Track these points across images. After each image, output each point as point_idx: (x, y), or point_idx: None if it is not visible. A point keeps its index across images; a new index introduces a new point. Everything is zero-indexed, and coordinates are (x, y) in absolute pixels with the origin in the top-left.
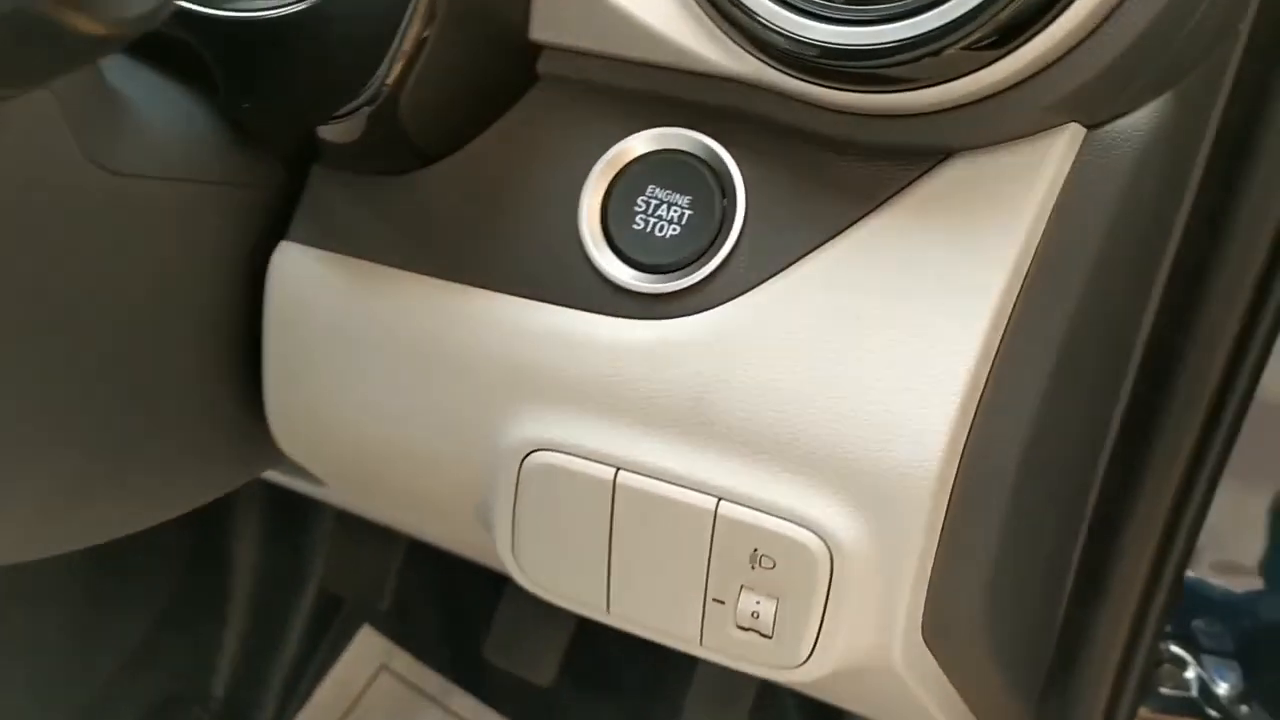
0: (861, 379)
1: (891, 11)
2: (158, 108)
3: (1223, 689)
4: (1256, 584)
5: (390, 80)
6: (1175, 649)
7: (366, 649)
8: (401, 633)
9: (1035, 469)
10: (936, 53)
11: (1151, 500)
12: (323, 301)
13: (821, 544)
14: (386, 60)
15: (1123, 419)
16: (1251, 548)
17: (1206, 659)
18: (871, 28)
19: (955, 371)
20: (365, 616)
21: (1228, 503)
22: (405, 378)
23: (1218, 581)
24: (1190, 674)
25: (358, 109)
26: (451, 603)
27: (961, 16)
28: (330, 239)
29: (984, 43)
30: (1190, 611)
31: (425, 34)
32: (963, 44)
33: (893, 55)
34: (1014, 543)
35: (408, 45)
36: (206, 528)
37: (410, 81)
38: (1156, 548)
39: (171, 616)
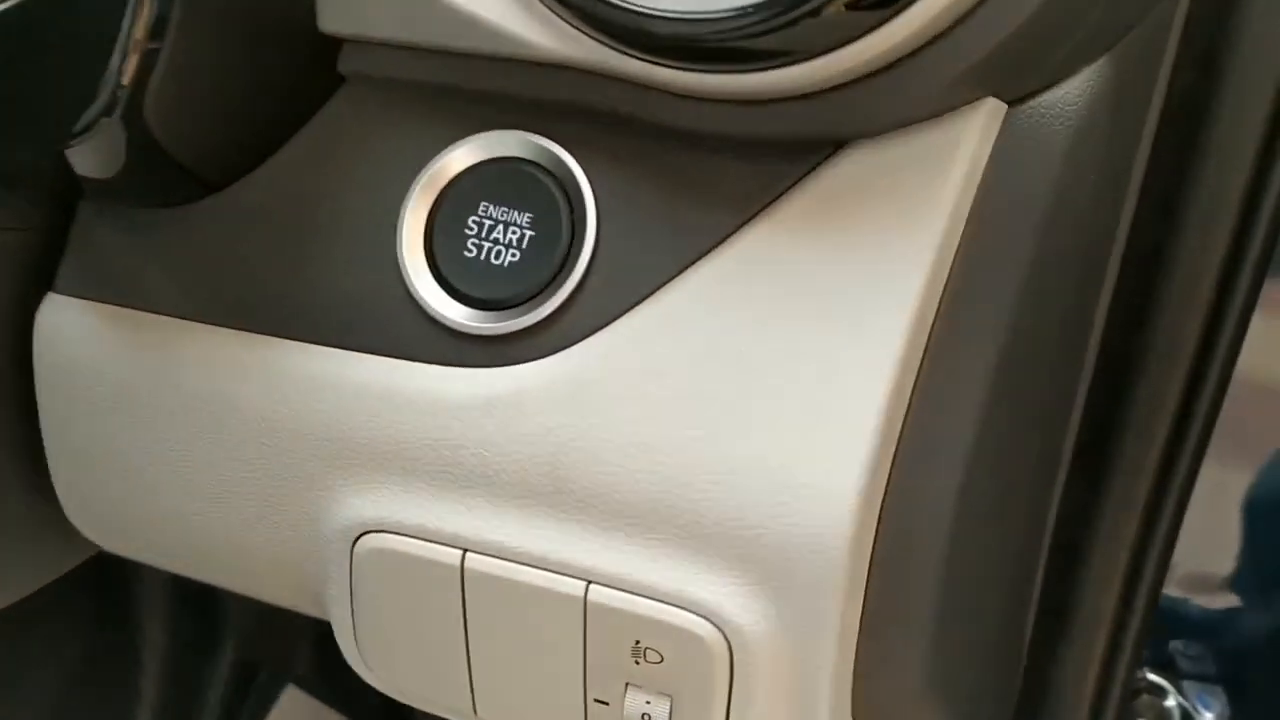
0: (750, 429)
1: None
2: None
3: (1207, 718)
4: (1234, 599)
5: (126, 79)
6: (1153, 676)
7: (293, 713)
8: (329, 693)
9: (977, 508)
10: (815, 12)
11: (1116, 522)
12: (101, 363)
13: (716, 632)
14: (117, 53)
15: (1078, 437)
16: (1225, 556)
17: (1188, 685)
18: None
19: (864, 411)
20: (287, 679)
21: (1197, 506)
22: (205, 450)
23: (1194, 599)
24: (1171, 703)
25: (96, 120)
26: None
27: None
28: (104, 288)
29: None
30: (1167, 634)
31: (162, 15)
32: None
33: (758, 19)
34: (957, 596)
35: (139, 32)
36: (111, 590)
37: (154, 81)
38: (1126, 573)
39: (81, 680)
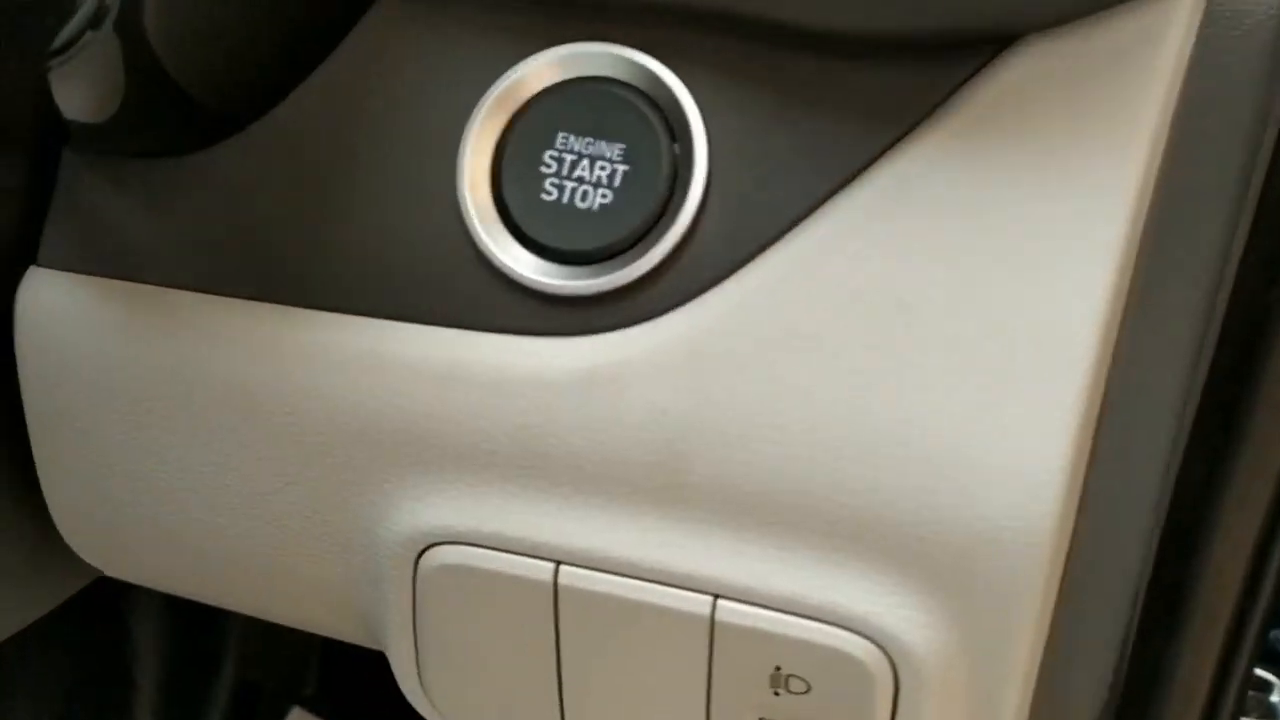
0: (916, 399)
1: None
2: None
3: None
4: None
5: None
6: (1257, 670)
7: None
8: (339, 716)
9: (1166, 481)
10: None
11: (1243, 496)
12: (96, 348)
13: (877, 652)
14: None
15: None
16: None
17: None
18: None
19: (1067, 372)
20: (292, 701)
21: None
22: (229, 451)
23: None
24: (1277, 698)
25: (80, 35)
26: (390, 678)
27: None
28: (97, 258)
29: None
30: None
31: None
32: None
33: None
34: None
35: None
36: (102, 605)
37: None
38: (1251, 556)
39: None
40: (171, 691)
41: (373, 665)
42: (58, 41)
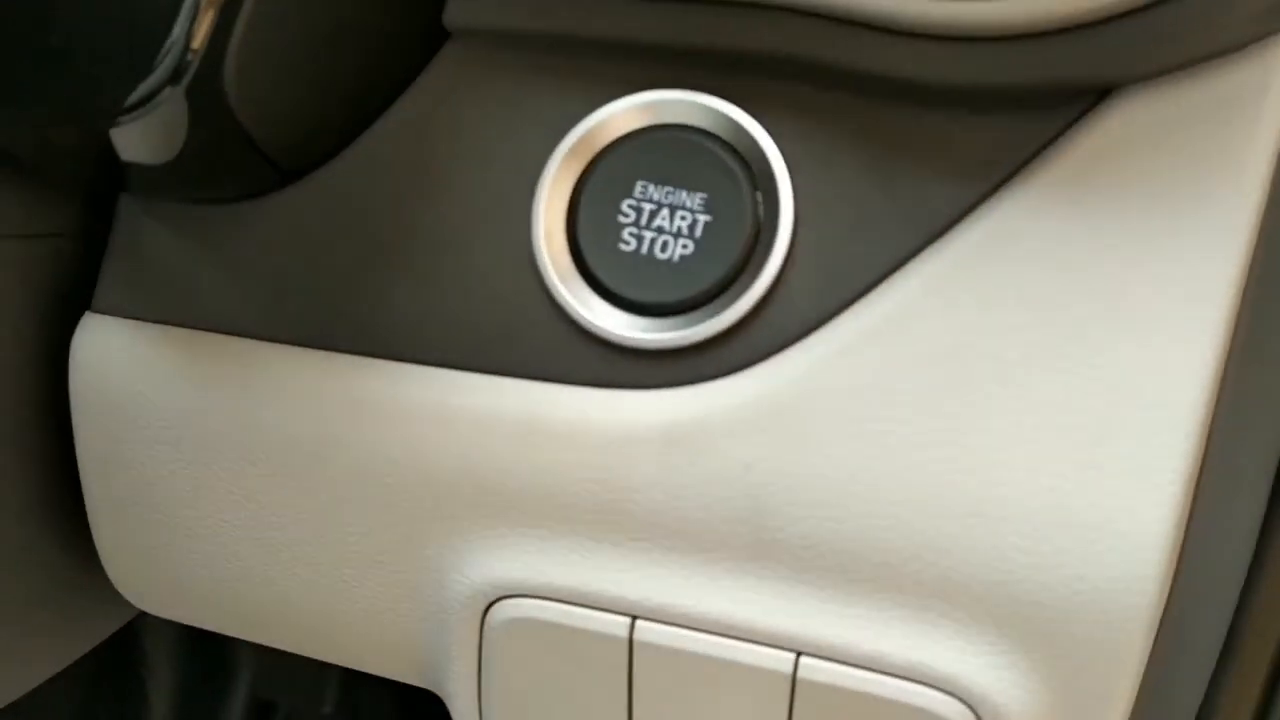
0: (1015, 458)
1: None
2: None
3: None
4: None
5: (196, 41)
6: None
7: None
8: None
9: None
10: None
11: None
12: (152, 395)
13: (968, 713)
14: (186, 7)
15: None
16: None
17: None
18: None
19: (1172, 431)
20: None
21: None
22: (292, 498)
23: None
24: None
25: (158, 92)
26: (412, 695)
27: None
28: (154, 304)
29: None
30: None
31: None
32: None
33: None
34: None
35: None
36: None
37: (234, 41)
38: None
39: None
40: (185, 709)
41: (391, 684)
42: (133, 97)
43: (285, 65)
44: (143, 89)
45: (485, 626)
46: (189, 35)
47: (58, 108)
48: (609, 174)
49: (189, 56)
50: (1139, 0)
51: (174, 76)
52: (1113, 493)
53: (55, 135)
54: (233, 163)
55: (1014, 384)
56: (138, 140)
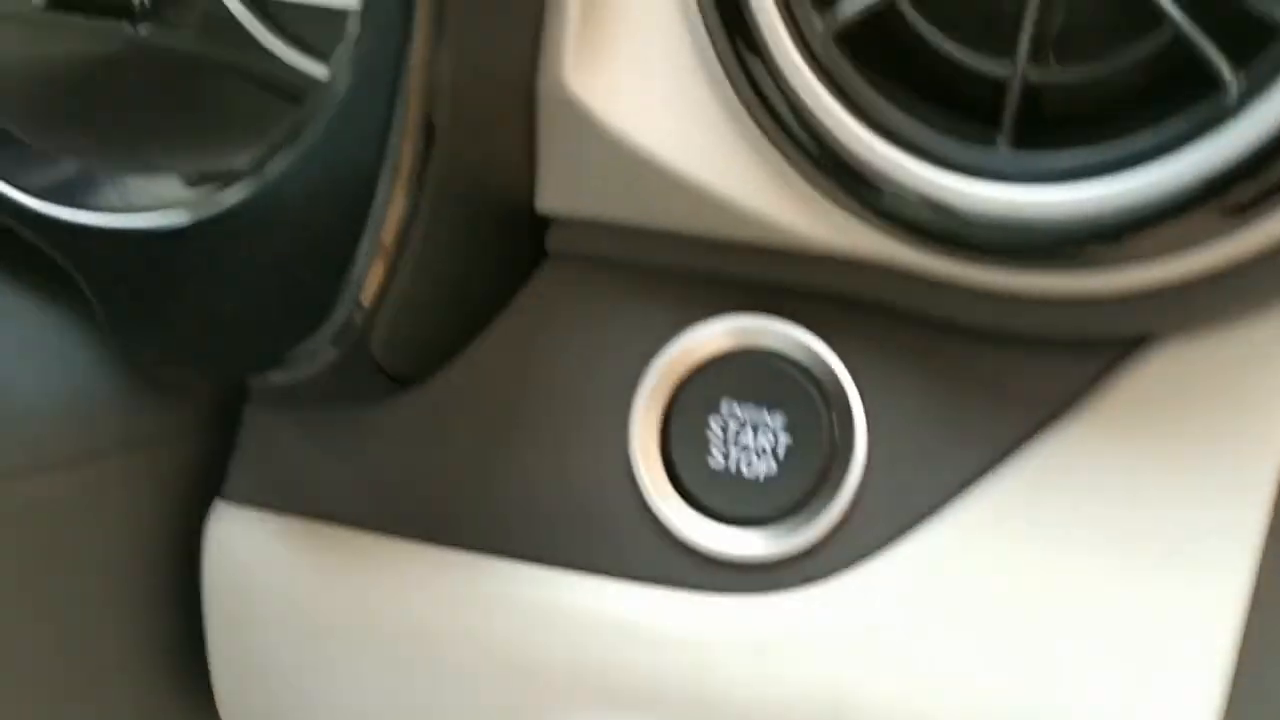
0: (1063, 683)
1: (1110, 159)
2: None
3: None
4: None
5: (368, 296)
6: None
7: None
8: None
9: None
10: (1181, 214)
11: None
12: (278, 581)
13: None
14: (357, 264)
15: None
16: None
17: None
18: (1075, 185)
19: (1207, 662)
20: None
21: None
22: (402, 685)
23: None
24: None
25: (314, 352)
26: None
27: (1250, 159)
28: (280, 496)
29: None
30: None
31: (411, 213)
32: (1234, 201)
33: (1112, 229)
34: None
35: (388, 235)
36: None
37: (392, 291)
38: None
39: None
40: None
41: None
42: (296, 350)
43: (424, 307)
44: (301, 348)
45: None
46: (360, 289)
47: (217, 368)
48: (697, 393)
49: (357, 312)
50: (1174, 279)
51: (340, 333)
52: (1155, 714)
53: (213, 374)
54: (359, 385)
55: (1063, 611)
56: (278, 378)
